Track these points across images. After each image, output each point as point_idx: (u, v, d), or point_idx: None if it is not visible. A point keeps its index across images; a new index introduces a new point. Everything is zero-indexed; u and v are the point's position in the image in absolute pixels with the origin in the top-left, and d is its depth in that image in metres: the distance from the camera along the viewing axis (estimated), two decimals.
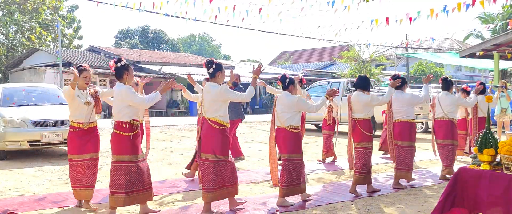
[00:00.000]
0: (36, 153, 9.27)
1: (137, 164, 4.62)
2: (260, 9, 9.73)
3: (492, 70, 20.08)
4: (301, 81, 7.96)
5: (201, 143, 4.84)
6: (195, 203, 5.37)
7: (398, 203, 5.32)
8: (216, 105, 4.76)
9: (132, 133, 4.60)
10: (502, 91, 10.68)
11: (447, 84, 7.10)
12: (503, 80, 11.59)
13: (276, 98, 5.40)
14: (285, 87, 5.36)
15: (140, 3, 10.19)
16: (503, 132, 10.17)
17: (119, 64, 4.66)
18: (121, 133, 4.58)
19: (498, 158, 3.62)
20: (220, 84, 4.81)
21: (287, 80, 5.36)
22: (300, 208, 5.13)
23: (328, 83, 14.72)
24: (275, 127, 5.36)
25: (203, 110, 4.83)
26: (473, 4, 7.60)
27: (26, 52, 26.65)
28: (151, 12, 10.80)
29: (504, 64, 19.14)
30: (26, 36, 28.19)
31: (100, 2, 10.21)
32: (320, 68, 38.61)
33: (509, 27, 11.82)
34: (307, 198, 5.44)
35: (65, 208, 5.15)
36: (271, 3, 9.15)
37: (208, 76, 4.92)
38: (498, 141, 3.63)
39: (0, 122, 8.31)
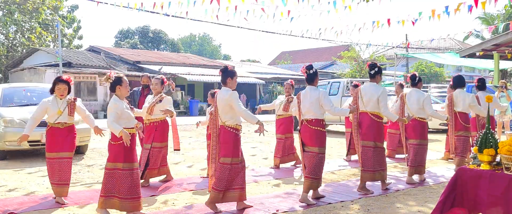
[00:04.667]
0: (36, 153, 9.27)
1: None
2: (262, 9, 9.72)
3: (492, 70, 20.07)
4: (292, 86, 7.84)
5: (361, 133, 5.87)
6: (195, 203, 5.38)
7: (398, 203, 5.32)
8: (376, 101, 5.76)
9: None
10: (502, 91, 10.68)
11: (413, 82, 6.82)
12: (503, 80, 11.59)
13: (404, 94, 6.71)
14: (414, 84, 6.63)
15: (142, 3, 10.18)
16: (503, 132, 10.18)
17: (311, 71, 5.47)
18: None
19: (498, 158, 3.62)
20: (378, 84, 5.88)
21: (417, 78, 6.63)
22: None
23: (328, 83, 14.72)
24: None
25: (364, 104, 5.85)
26: (476, 5, 7.59)
27: (26, 52, 26.64)
28: (151, 12, 10.81)
29: (504, 64, 19.12)
30: (26, 36, 28.20)
31: (100, 2, 10.21)
32: (320, 68, 38.58)
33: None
34: (423, 180, 6.57)
35: (65, 208, 5.15)
36: (271, 4, 9.14)
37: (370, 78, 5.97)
38: (498, 141, 3.63)
39: (0, 122, 8.31)
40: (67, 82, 5.37)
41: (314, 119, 5.37)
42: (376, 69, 5.84)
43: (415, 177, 6.60)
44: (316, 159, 5.37)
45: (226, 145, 4.91)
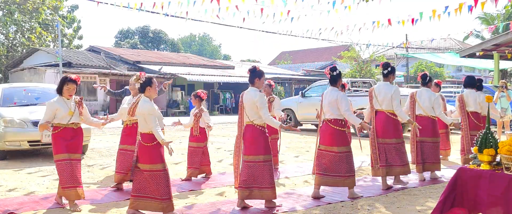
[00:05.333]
0: (36, 153, 9.26)
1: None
2: (262, 9, 9.72)
3: (492, 70, 20.08)
4: (270, 86, 7.58)
5: (379, 131, 6.06)
6: (195, 203, 5.38)
7: (398, 203, 5.32)
8: (390, 100, 5.98)
9: None
10: (502, 91, 10.68)
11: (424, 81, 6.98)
12: (503, 80, 11.59)
13: (415, 92, 6.92)
14: (425, 84, 6.81)
15: (142, 3, 10.17)
16: (503, 132, 10.17)
17: (334, 73, 5.55)
18: None
19: (498, 158, 3.62)
20: (392, 84, 6.11)
21: (427, 78, 6.82)
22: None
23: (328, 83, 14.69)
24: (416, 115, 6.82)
25: (379, 103, 6.10)
26: (475, 5, 7.58)
27: (26, 52, 26.65)
28: (151, 12, 10.80)
29: (504, 64, 19.13)
30: (26, 36, 28.20)
31: (100, 2, 10.21)
32: (320, 68, 38.58)
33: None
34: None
35: (65, 208, 5.15)
36: (271, 4, 9.14)
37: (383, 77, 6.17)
38: (498, 141, 3.63)
39: (0, 122, 8.30)
40: (76, 82, 5.23)
41: (333, 118, 5.50)
42: (389, 68, 6.08)
43: (426, 174, 6.78)
44: (336, 158, 5.47)
45: (256, 143, 5.00)
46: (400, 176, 6.20)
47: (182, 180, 6.68)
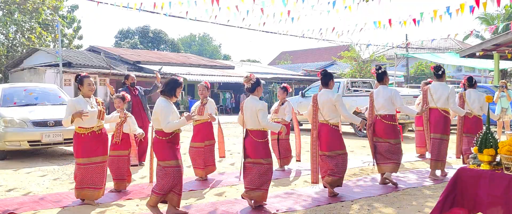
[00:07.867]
0: (36, 153, 9.27)
1: None
2: (262, 9, 9.72)
3: (492, 70, 20.08)
4: (207, 88, 6.84)
5: (430, 125, 6.63)
6: (195, 203, 5.38)
7: (398, 203, 5.32)
8: (446, 99, 6.55)
9: None
10: (503, 91, 10.69)
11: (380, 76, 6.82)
12: (503, 80, 11.60)
13: (464, 93, 7.22)
14: (471, 85, 7.23)
15: (142, 3, 10.17)
16: (503, 132, 10.17)
17: (380, 71, 6.09)
18: None
19: (498, 158, 3.62)
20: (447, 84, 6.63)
21: (473, 80, 7.28)
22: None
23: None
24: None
25: (434, 101, 6.61)
26: (478, 6, 7.57)
27: (26, 52, 26.63)
28: (151, 12, 10.80)
29: (504, 64, 19.13)
30: (26, 36, 28.17)
31: (100, 2, 10.20)
32: (320, 68, 38.54)
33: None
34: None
35: (65, 208, 5.15)
36: (271, 4, 9.14)
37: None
38: (498, 141, 3.63)
39: (0, 122, 8.31)
40: None
41: (387, 114, 6.07)
42: (442, 69, 6.69)
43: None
44: (394, 147, 6.08)
45: (334, 140, 5.58)
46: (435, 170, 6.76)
47: (112, 191, 5.92)
